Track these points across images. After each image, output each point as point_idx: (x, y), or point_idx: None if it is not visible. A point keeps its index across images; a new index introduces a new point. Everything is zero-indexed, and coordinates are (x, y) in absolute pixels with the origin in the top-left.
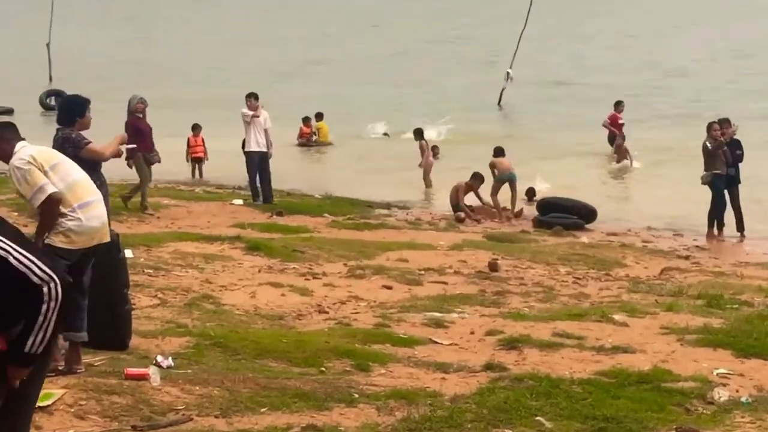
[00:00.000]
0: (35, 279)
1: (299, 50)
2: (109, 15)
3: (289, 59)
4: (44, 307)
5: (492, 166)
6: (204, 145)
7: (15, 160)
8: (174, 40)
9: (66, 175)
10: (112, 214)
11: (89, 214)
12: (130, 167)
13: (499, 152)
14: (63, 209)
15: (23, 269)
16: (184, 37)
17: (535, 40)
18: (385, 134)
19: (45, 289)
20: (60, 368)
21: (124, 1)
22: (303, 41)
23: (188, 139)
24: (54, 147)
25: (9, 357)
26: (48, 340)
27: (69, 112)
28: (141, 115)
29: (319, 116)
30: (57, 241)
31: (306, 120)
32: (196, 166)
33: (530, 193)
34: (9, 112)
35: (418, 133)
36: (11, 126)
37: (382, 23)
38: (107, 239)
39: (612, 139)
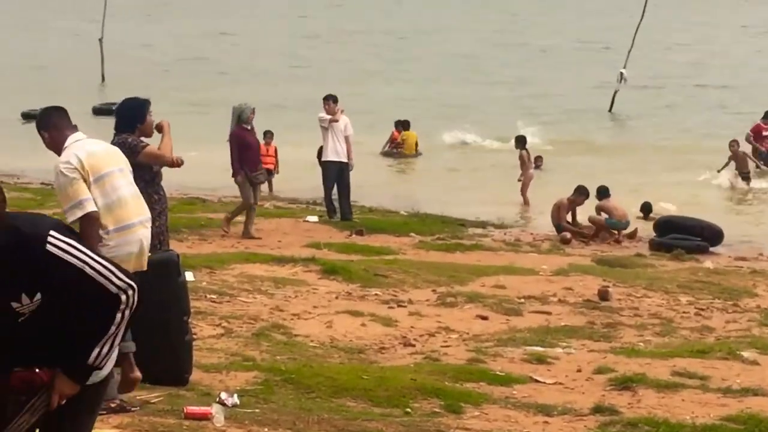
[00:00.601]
0: (113, 288)
1: (385, 47)
2: (170, 7)
3: (373, 58)
4: (119, 315)
5: (600, 209)
6: (276, 156)
7: (62, 162)
8: (241, 34)
9: (111, 192)
10: (171, 231)
11: (126, 238)
12: (237, 183)
13: (604, 192)
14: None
15: (101, 279)
16: (252, 31)
17: (650, 35)
18: (465, 143)
19: (123, 297)
20: (112, 405)
21: None
22: (389, 36)
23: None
24: None
25: (63, 369)
26: (111, 354)
27: (128, 117)
28: (249, 127)
29: (406, 125)
30: None
31: (399, 124)
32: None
33: (646, 209)
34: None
35: (520, 142)
36: (62, 111)
37: (475, 16)
38: (144, 268)
39: (756, 153)
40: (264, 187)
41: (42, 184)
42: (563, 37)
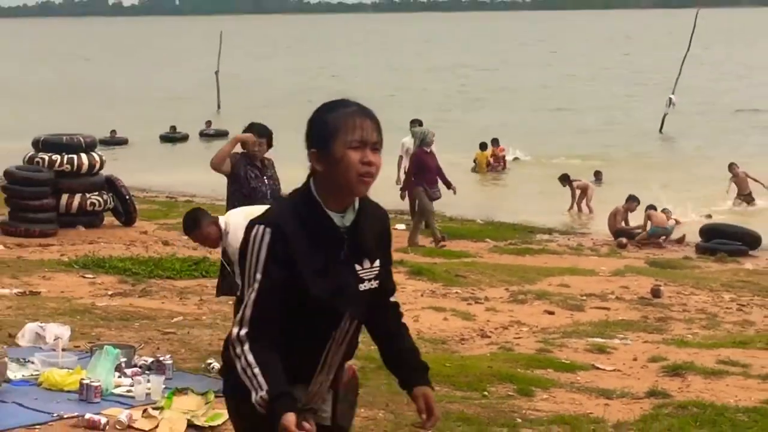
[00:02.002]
0: None
1: (466, 78)
2: (279, 44)
3: (456, 87)
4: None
5: (648, 217)
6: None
7: None
8: (345, 65)
9: None
10: None
11: None
12: (402, 198)
13: (632, 200)
14: None
15: None
16: (354, 63)
17: (698, 66)
18: (516, 158)
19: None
20: None
21: (293, 31)
22: (478, 70)
23: None
24: None
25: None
26: None
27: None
28: (429, 150)
29: (483, 146)
30: None
31: (483, 145)
32: None
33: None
34: (123, 142)
35: (564, 179)
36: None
37: (558, 48)
38: None
39: None
40: None
41: (167, 197)
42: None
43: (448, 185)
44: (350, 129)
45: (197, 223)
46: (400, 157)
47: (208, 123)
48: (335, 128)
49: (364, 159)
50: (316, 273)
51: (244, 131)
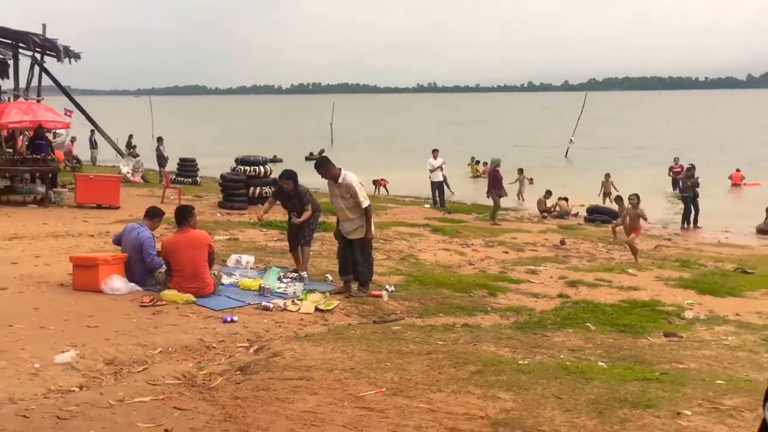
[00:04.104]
0: None
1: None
2: (377, 109)
3: (477, 134)
4: None
5: (558, 206)
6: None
7: (353, 181)
8: (408, 124)
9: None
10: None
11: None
12: (487, 197)
13: (548, 193)
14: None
15: None
16: (416, 123)
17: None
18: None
19: None
20: (340, 292)
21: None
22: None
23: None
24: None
25: None
26: None
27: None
28: (498, 169)
29: (475, 161)
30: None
31: (476, 162)
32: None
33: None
34: (279, 161)
35: (520, 171)
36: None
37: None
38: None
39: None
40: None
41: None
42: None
43: (501, 190)
44: None
45: (325, 164)
46: (430, 171)
47: (321, 150)
48: None
49: None
50: None
51: (280, 176)
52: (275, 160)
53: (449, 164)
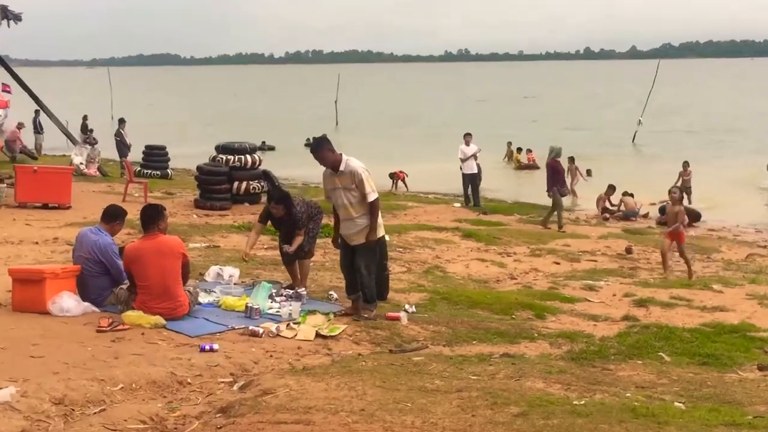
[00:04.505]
0: None
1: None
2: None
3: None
4: None
5: (623, 203)
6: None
7: (358, 167)
8: (442, 103)
9: None
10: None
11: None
12: (548, 196)
13: (612, 188)
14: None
15: None
16: (435, 98)
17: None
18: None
19: None
20: (347, 314)
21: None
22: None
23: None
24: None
25: None
26: None
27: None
28: (558, 159)
29: (519, 150)
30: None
31: (519, 150)
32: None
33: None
34: (270, 149)
35: (571, 160)
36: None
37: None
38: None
39: None
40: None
41: (302, 184)
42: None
43: (563, 187)
44: None
45: (324, 146)
46: (461, 160)
47: (323, 136)
48: None
49: None
50: None
51: (269, 197)
52: (265, 147)
53: (485, 151)
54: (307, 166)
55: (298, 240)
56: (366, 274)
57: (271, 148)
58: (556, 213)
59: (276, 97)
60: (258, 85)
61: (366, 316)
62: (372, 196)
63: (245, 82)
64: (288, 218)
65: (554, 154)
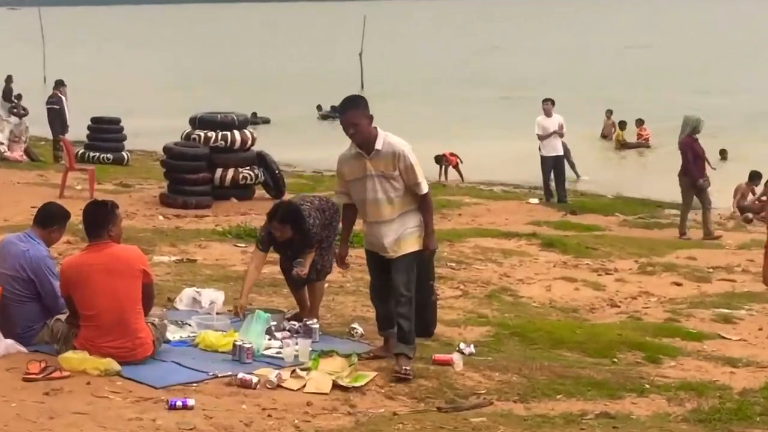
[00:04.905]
0: None
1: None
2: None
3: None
4: None
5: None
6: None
7: (403, 146)
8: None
9: None
10: None
11: None
12: (702, 185)
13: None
14: None
15: None
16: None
17: None
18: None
19: None
20: (378, 356)
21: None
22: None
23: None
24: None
25: None
26: None
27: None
28: (696, 137)
29: (622, 124)
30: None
31: (622, 123)
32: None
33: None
34: (266, 122)
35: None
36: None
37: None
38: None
39: None
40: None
41: (314, 172)
42: None
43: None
44: None
45: (361, 106)
46: (539, 137)
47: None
48: None
49: None
50: None
51: (271, 214)
52: (258, 120)
53: (573, 124)
54: (318, 145)
55: (310, 258)
56: (406, 298)
57: (266, 122)
58: (703, 213)
59: (272, 49)
60: (246, 32)
61: (405, 367)
62: (425, 186)
63: (227, 26)
64: (299, 239)
65: (690, 128)
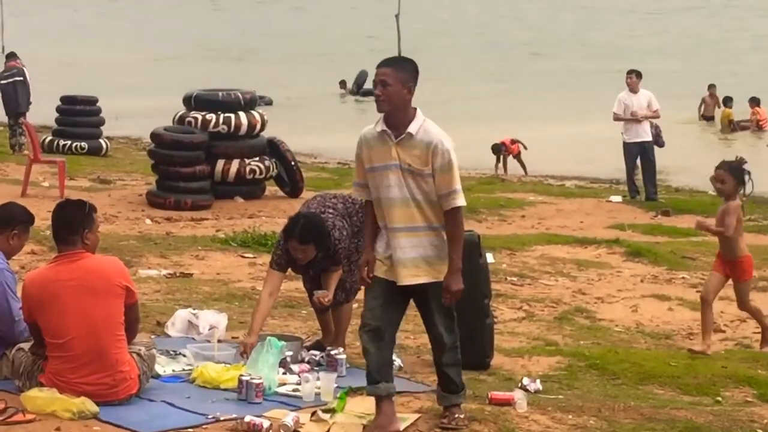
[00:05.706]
0: None
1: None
2: None
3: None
4: None
5: None
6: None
7: (445, 138)
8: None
9: None
10: (469, 212)
11: None
12: None
13: None
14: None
15: None
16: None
17: None
18: None
19: None
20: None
21: None
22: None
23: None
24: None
25: None
26: None
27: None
28: None
29: (727, 101)
30: None
31: (728, 100)
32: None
33: None
34: (268, 103)
35: None
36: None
37: None
38: None
39: None
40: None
41: (339, 164)
42: None
43: None
44: None
45: (408, 68)
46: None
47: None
48: None
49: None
50: None
51: (288, 231)
52: (262, 100)
53: (666, 104)
54: (344, 131)
55: (336, 278)
56: (450, 344)
57: (268, 103)
58: None
59: (282, 11)
60: None
61: (458, 415)
62: (461, 198)
63: None
64: (323, 257)
65: None
